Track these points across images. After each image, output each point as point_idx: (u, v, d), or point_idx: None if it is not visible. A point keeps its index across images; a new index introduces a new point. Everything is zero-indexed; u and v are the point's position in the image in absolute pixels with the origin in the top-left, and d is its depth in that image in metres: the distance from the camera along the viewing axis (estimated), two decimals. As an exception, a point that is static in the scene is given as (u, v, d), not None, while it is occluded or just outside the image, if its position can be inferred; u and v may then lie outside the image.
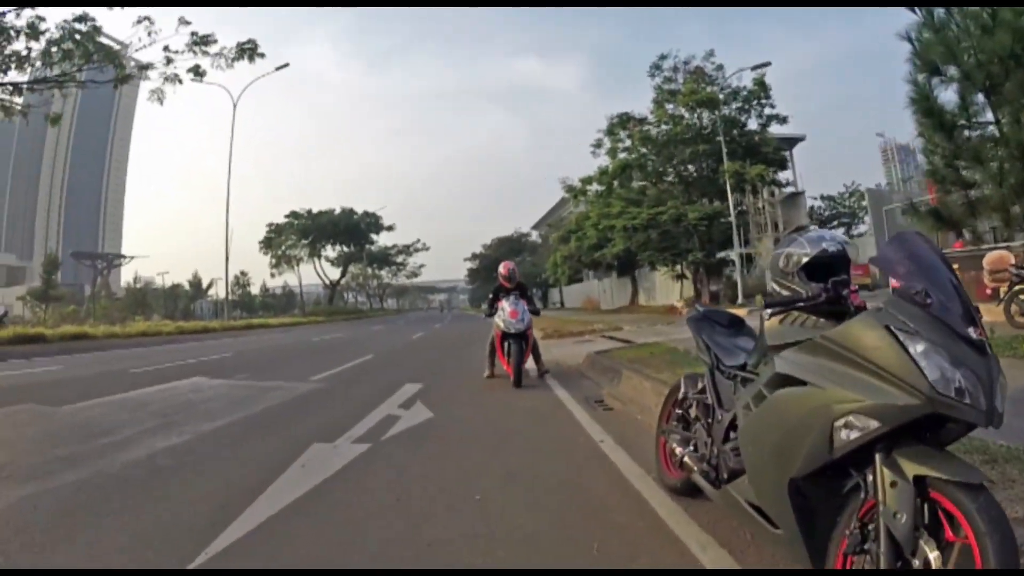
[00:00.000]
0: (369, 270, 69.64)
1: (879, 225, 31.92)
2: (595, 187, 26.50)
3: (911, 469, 1.45)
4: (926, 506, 1.44)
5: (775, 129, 26.06)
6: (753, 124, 25.89)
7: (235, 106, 30.04)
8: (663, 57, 26.70)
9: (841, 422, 1.56)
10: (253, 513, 2.76)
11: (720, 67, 26.23)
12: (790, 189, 37.82)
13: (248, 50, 18.10)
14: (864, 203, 46.64)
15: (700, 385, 2.68)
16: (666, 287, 28.90)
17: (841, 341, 1.63)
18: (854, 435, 1.54)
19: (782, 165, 26.67)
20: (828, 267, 1.94)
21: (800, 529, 1.71)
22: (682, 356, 6.47)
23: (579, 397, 5.76)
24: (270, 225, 57.26)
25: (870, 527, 1.54)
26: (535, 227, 70.70)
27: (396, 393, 6.16)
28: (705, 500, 2.51)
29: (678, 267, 25.25)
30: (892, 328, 1.52)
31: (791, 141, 29.89)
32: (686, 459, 2.53)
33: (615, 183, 25.52)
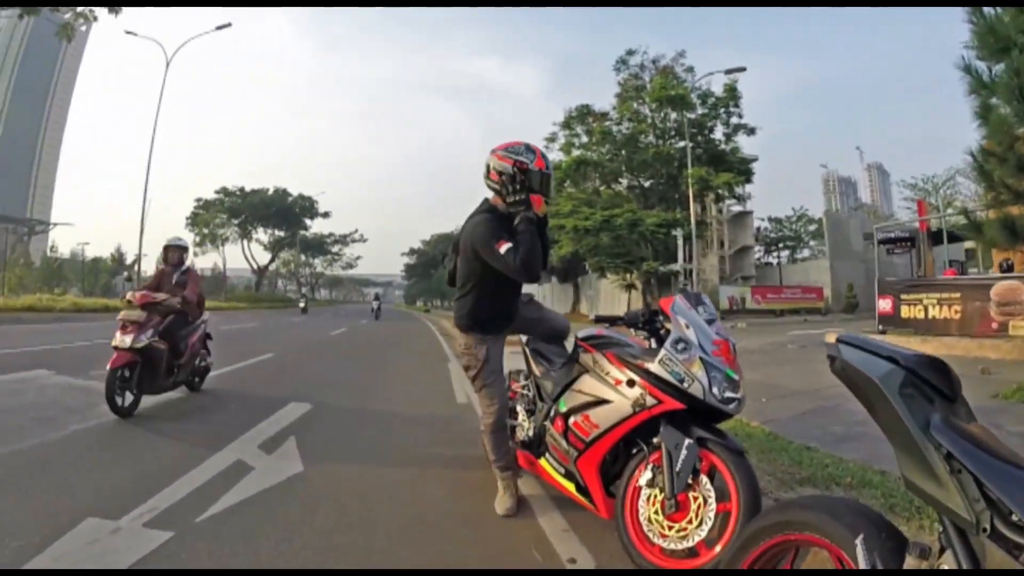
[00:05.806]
0: (302, 257, 66.79)
1: (835, 247, 32.39)
2: (546, 184, 25.37)
3: None
4: None
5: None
6: (718, 133, 25.27)
7: (168, 65, 27.28)
8: (631, 52, 25.88)
9: None
10: None
11: (691, 69, 25.54)
12: (738, 208, 37.84)
13: None
14: (811, 228, 47.80)
15: None
16: (611, 296, 28.12)
17: None
18: None
19: (748, 177, 25.34)
20: None
21: None
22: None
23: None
24: (198, 200, 54.43)
25: None
26: (475, 226, 68.92)
27: (270, 417, 4.51)
28: None
29: (628, 276, 24.45)
30: None
31: (745, 160, 29.57)
32: None
33: (567, 181, 24.48)
